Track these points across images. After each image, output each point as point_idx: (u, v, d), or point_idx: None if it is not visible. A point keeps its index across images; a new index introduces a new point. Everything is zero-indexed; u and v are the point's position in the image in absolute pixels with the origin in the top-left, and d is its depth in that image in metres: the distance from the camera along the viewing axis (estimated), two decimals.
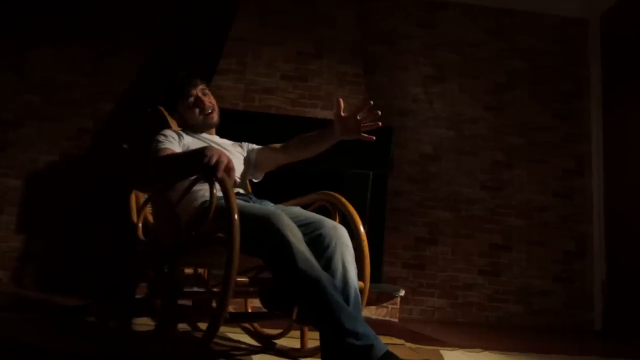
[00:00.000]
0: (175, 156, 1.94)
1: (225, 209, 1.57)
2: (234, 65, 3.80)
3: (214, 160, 1.65)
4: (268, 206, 1.97)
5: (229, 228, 1.53)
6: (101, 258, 3.78)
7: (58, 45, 4.19)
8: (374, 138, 1.96)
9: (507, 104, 4.43)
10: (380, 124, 1.93)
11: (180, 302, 1.89)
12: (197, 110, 2.21)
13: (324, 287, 1.54)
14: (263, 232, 1.63)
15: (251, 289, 1.93)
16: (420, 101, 4.37)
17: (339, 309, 1.53)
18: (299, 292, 1.57)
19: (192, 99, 2.21)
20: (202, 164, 1.65)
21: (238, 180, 2.17)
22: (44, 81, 4.13)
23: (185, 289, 2.07)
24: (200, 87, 2.26)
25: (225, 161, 1.66)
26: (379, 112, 1.91)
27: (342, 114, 1.96)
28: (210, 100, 2.26)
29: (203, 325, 2.29)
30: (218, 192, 1.67)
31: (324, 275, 1.57)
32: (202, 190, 1.90)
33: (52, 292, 3.51)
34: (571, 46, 4.57)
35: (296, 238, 1.61)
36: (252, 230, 1.63)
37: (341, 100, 1.96)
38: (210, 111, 2.23)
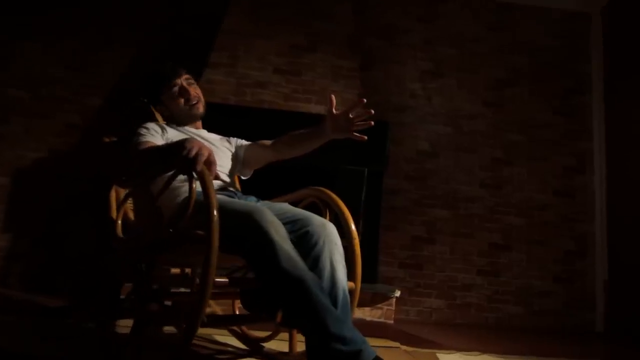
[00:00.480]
0: (155, 149, 1.84)
1: (203, 204, 1.47)
2: (226, 58, 3.70)
3: (193, 152, 1.55)
4: (252, 202, 1.86)
5: (208, 224, 1.43)
6: (89, 257, 3.68)
7: (45, 39, 4.09)
8: (366, 138, 1.90)
9: (507, 100, 4.35)
10: (372, 123, 1.86)
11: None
12: (182, 101, 2.13)
13: (308, 287, 1.44)
14: (244, 228, 1.53)
15: (236, 290, 1.83)
16: (418, 97, 4.29)
17: (324, 311, 1.43)
18: (282, 293, 1.47)
19: (176, 89, 2.12)
20: (181, 157, 1.56)
21: (223, 174, 2.08)
22: (31, 76, 4.03)
23: (173, 290, 1.99)
24: (185, 76, 2.17)
25: (205, 154, 1.56)
26: (372, 111, 1.84)
27: (334, 111, 1.89)
28: (195, 91, 2.17)
29: None
30: (198, 187, 1.57)
31: (308, 275, 1.47)
32: (186, 185, 1.80)
33: (38, 292, 3.43)
34: (572, 41, 4.48)
35: (280, 235, 1.51)
36: (233, 226, 1.54)
37: (333, 96, 1.90)
38: (195, 102, 2.14)
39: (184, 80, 2.15)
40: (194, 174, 1.55)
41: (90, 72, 4.09)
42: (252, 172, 2.30)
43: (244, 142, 2.30)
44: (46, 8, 4.12)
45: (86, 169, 3.85)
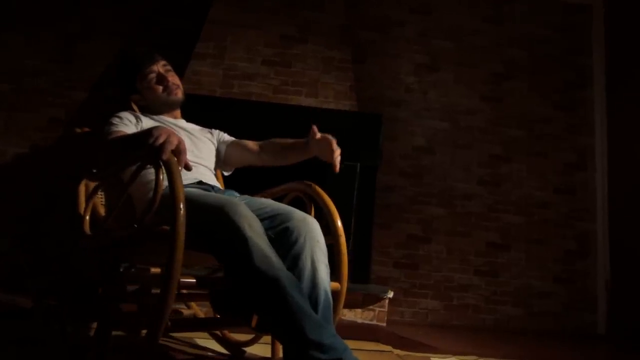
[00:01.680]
0: (122, 138, 1.71)
1: (169, 196, 1.34)
2: (212, 49, 3.56)
3: (160, 140, 1.42)
4: (227, 196, 1.73)
5: (173, 219, 1.30)
6: (66, 256, 3.55)
7: (28, 31, 3.96)
8: (337, 170, 1.79)
9: (506, 94, 4.23)
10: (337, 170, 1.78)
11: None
12: (159, 88, 2.01)
13: (284, 288, 1.31)
14: (215, 223, 1.40)
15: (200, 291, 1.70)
16: (414, 91, 4.16)
17: (302, 315, 1.29)
18: (256, 295, 1.34)
19: (153, 75, 2.00)
20: (147, 145, 1.43)
21: (203, 167, 1.95)
22: (12, 69, 3.90)
23: (154, 291, 1.87)
24: (162, 62, 2.05)
25: (174, 142, 1.43)
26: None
27: (316, 137, 1.83)
28: (173, 78, 2.04)
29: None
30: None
31: (285, 275, 1.34)
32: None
33: (17, 292, 3.30)
34: (573, 34, 4.36)
35: (254, 231, 1.38)
36: (203, 222, 1.41)
37: (315, 127, 1.85)
38: (174, 88, 2.02)
39: (160, 67, 2.03)
40: (161, 163, 1.42)
41: (74, 65, 3.96)
42: (233, 169, 2.20)
43: (227, 137, 2.19)
44: None
45: (69, 164, 3.72)
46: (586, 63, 4.31)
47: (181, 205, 1.31)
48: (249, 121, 3.23)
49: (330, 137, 1.81)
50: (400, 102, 4.12)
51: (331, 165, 1.78)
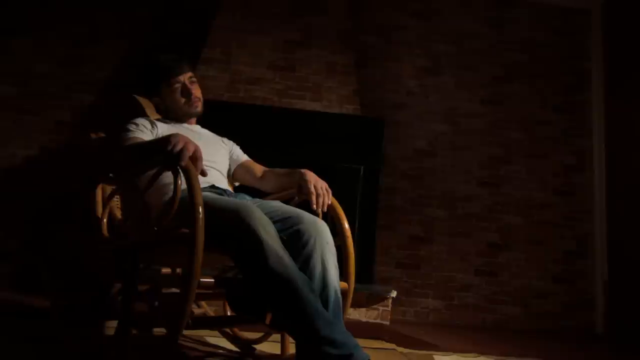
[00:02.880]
0: (140, 144, 1.78)
1: (188, 201, 1.41)
2: (219, 54, 3.63)
3: (178, 147, 1.49)
4: (243, 199, 1.80)
5: (193, 222, 1.38)
6: (78, 257, 3.62)
7: (35, 34, 4.03)
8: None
9: (506, 97, 4.29)
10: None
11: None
12: (182, 100, 2.07)
13: (298, 288, 1.38)
14: (231, 227, 1.47)
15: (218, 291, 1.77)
16: (415, 94, 4.23)
17: (314, 313, 1.37)
18: (271, 294, 1.41)
19: (178, 86, 2.06)
20: (166, 152, 1.50)
21: (215, 171, 2.02)
22: (20, 72, 3.96)
23: (165, 290, 1.93)
24: (189, 74, 2.11)
25: (191, 149, 1.51)
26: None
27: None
28: (197, 92, 2.12)
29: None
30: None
31: (298, 275, 1.42)
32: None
33: (27, 292, 3.36)
34: (572, 37, 4.43)
35: (268, 234, 1.45)
36: (219, 225, 1.48)
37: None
38: (195, 102, 2.09)
39: (187, 78, 2.09)
40: (179, 169, 1.49)
41: (80, 68, 4.02)
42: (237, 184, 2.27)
43: (239, 155, 2.25)
44: (36, 3, 4.06)
45: (76, 167, 3.79)
46: (585, 67, 4.37)
47: (200, 209, 1.38)
48: (255, 125, 3.31)
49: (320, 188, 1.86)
50: (401, 105, 4.19)
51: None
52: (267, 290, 1.41)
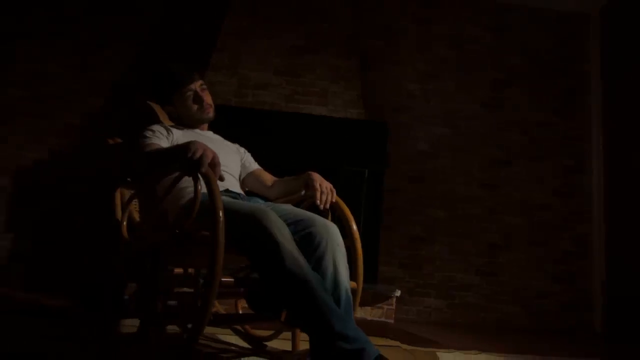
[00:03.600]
0: (160, 151, 1.87)
1: (208, 205, 1.49)
2: (227, 60, 3.72)
3: (198, 154, 1.58)
4: (256, 203, 1.89)
5: (213, 225, 1.46)
6: (91, 257, 3.70)
7: (45, 38, 4.10)
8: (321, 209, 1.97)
9: (506, 100, 4.37)
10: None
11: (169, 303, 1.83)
12: (195, 106, 2.16)
13: (313, 288, 1.47)
14: (249, 229, 1.55)
15: (239, 290, 1.85)
16: (417, 97, 4.30)
17: (328, 311, 1.45)
18: (287, 294, 1.50)
19: (190, 94, 2.16)
20: (186, 159, 1.59)
21: (228, 175, 2.10)
22: (30, 76, 4.04)
23: (176, 289, 2.01)
24: (200, 82, 2.21)
25: (210, 156, 1.60)
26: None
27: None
28: (208, 98, 2.21)
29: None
30: (204, 188, 1.59)
31: (313, 276, 1.50)
32: (190, 187, 1.83)
33: (39, 292, 3.44)
34: (571, 41, 4.50)
35: (284, 236, 1.54)
36: (237, 228, 1.57)
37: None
38: (207, 108, 2.18)
39: (198, 86, 2.18)
40: (199, 175, 1.58)
41: (90, 72, 4.11)
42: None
43: (250, 163, 2.34)
44: (46, 6, 4.13)
45: (87, 169, 3.87)
46: (584, 70, 4.44)
47: (221, 213, 1.47)
48: (263, 129, 3.39)
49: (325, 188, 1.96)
50: (404, 108, 4.26)
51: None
52: (284, 290, 1.49)
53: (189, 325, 2.24)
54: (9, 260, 3.79)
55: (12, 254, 3.80)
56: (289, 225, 1.71)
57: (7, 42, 4.07)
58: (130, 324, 2.35)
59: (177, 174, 1.69)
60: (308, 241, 1.71)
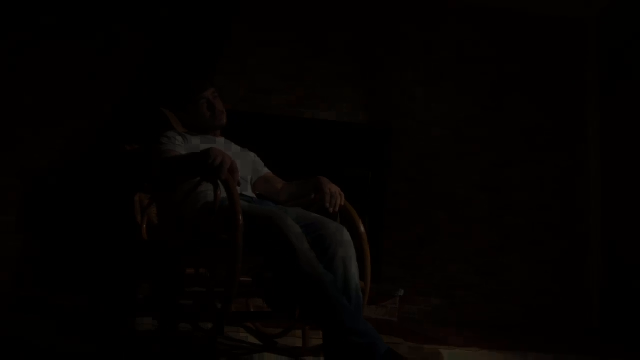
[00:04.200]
0: (179, 158, 1.96)
1: (228, 209, 1.59)
2: (234, 65, 3.79)
3: (218, 161, 1.67)
4: (269, 207, 1.99)
5: (233, 229, 1.56)
6: (101, 259, 3.78)
7: (54, 44, 4.15)
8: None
9: (505, 105, 4.43)
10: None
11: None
12: (208, 113, 2.25)
13: (326, 287, 1.57)
14: (265, 232, 1.65)
15: (254, 289, 1.95)
16: (419, 101, 4.35)
17: (341, 308, 1.55)
18: (302, 293, 1.59)
19: (204, 102, 2.25)
20: (206, 165, 1.68)
21: (242, 180, 2.20)
22: (39, 83, 4.08)
23: (186, 289, 2.10)
24: (212, 90, 2.30)
25: (229, 162, 1.69)
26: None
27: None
28: (220, 106, 2.30)
29: (204, 325, 2.32)
30: (222, 193, 1.69)
31: (327, 276, 1.60)
32: (206, 191, 1.93)
33: (51, 292, 3.51)
34: (569, 46, 4.56)
35: (299, 239, 1.63)
36: (254, 230, 1.66)
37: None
38: (220, 115, 2.28)
39: (210, 94, 2.28)
40: (219, 181, 1.68)
41: (98, 77, 4.14)
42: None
43: (261, 168, 2.42)
44: (55, 12, 4.17)
45: (97, 174, 3.94)
46: (581, 75, 4.50)
47: (240, 217, 1.56)
48: (269, 134, 3.47)
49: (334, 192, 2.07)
50: (406, 112, 4.31)
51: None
52: (299, 289, 1.59)
53: (200, 324, 2.34)
54: (20, 261, 3.86)
55: (23, 255, 3.86)
56: (301, 228, 1.80)
57: (16, 48, 4.10)
58: (141, 323, 2.43)
59: (196, 179, 1.78)
60: (320, 243, 1.81)
